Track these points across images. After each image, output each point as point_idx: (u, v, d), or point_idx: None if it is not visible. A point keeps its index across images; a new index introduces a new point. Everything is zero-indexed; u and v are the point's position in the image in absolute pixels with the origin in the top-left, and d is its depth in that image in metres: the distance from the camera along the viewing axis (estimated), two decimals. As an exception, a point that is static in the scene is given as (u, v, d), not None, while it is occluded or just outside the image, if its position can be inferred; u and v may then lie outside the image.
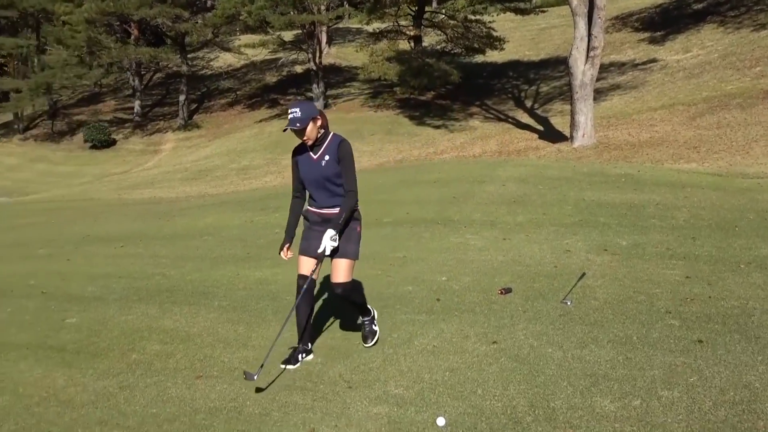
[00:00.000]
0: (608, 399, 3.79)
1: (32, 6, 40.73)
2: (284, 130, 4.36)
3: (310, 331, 4.74)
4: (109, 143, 36.69)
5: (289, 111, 4.35)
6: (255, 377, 4.13)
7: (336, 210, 4.49)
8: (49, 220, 15.99)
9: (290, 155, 4.68)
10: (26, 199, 26.53)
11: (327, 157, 4.43)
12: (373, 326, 4.90)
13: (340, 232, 4.42)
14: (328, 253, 4.37)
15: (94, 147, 36.42)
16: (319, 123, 4.41)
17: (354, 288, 4.68)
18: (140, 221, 13.69)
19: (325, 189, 4.46)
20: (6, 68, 43.77)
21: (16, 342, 5.43)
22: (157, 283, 7.31)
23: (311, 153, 4.50)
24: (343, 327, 5.29)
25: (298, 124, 4.31)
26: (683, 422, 3.49)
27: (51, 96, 41.02)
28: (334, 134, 4.52)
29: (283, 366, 4.54)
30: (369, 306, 4.92)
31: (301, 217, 4.69)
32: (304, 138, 4.39)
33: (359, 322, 4.99)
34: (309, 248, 4.52)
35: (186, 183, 25.01)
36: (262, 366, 4.25)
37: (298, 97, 35.94)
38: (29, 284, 7.64)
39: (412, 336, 5.01)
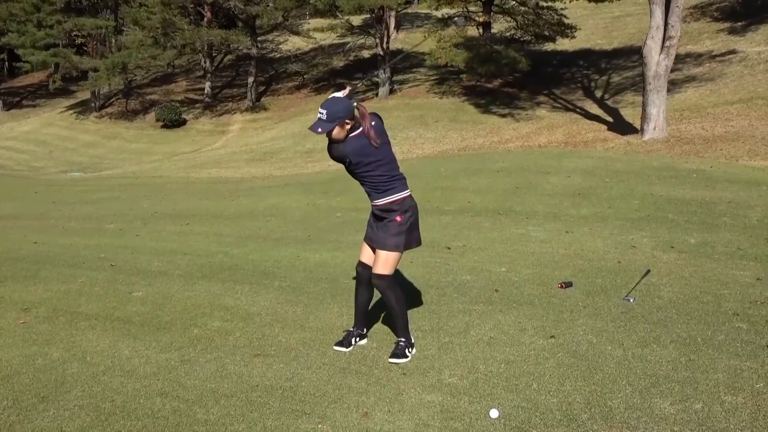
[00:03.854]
0: (668, 401, 3.69)
1: (111, -13, 42.10)
2: (309, 129, 4.19)
3: (365, 317, 4.71)
4: (180, 123, 37.64)
5: (319, 110, 4.15)
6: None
7: (383, 201, 4.35)
8: (120, 195, 16.55)
9: None
10: (100, 174, 27.52)
11: None
12: (407, 351, 4.43)
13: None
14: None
15: (165, 126, 37.43)
16: (348, 126, 4.17)
17: (390, 287, 4.38)
18: (206, 200, 14.03)
19: None
20: (86, 48, 45.30)
21: (86, 312, 5.65)
22: (220, 261, 7.48)
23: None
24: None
25: (320, 130, 4.13)
26: (746, 429, 3.37)
27: (126, 75, 42.31)
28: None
29: (336, 348, 4.58)
30: (409, 331, 4.52)
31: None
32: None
33: (395, 341, 4.54)
34: (371, 237, 4.48)
35: (251, 164, 25.47)
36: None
37: (365, 83, 36.02)
38: (100, 257, 7.94)
39: (469, 326, 4.98)
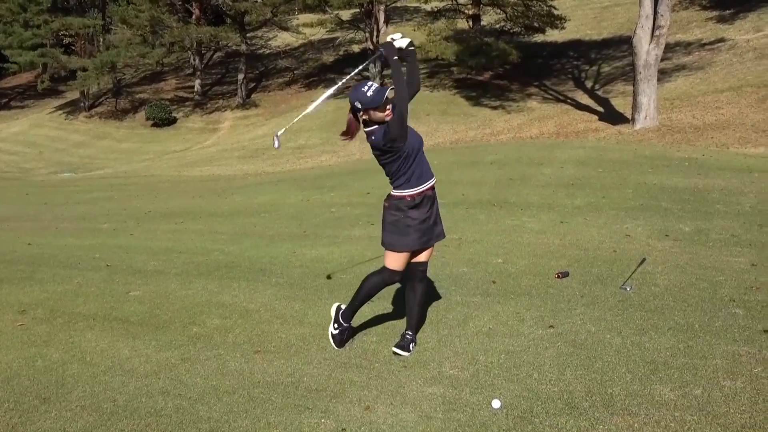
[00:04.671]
0: (668, 387, 3.72)
1: (98, -14, 41.89)
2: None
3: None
4: (170, 121, 37.48)
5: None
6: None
7: (398, 193, 4.17)
8: (112, 195, 16.48)
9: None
10: (91, 174, 27.40)
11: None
12: (410, 344, 4.43)
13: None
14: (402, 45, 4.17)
15: (155, 125, 37.27)
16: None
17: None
18: (199, 198, 13.99)
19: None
20: (74, 47, 45.01)
21: (84, 312, 5.64)
22: (216, 258, 7.47)
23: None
24: (400, 308, 5.31)
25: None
26: (746, 413, 3.40)
27: (115, 74, 42.08)
28: None
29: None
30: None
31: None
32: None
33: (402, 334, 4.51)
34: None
35: (243, 161, 25.41)
36: None
37: (355, 78, 35.92)
38: (95, 257, 7.91)
39: (467, 318, 5.00)
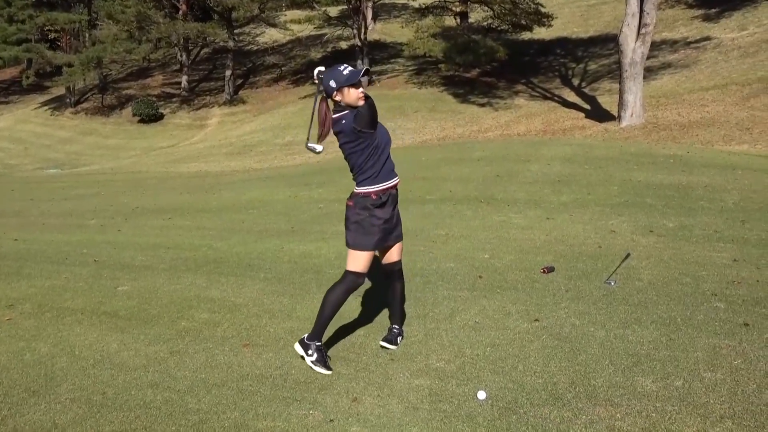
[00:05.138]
0: (650, 378, 3.79)
1: (84, -19, 41.65)
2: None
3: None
4: (157, 117, 37.36)
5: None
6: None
7: (362, 189, 4.08)
8: (99, 191, 16.43)
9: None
10: (78, 170, 27.25)
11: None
12: (398, 338, 4.49)
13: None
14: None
15: (142, 121, 37.13)
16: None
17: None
18: (187, 194, 13.98)
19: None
20: (59, 43, 44.72)
21: (72, 307, 5.65)
22: (204, 254, 7.49)
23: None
24: (386, 302, 5.36)
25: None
26: (726, 403, 3.48)
27: (101, 70, 41.88)
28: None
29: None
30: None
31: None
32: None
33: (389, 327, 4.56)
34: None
35: (231, 158, 25.37)
36: None
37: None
38: (82, 252, 7.91)
39: (454, 312, 5.06)
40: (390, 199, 4.14)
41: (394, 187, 4.17)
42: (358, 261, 4.11)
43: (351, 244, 4.14)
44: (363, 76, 3.96)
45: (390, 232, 4.21)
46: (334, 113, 4.04)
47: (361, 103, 3.97)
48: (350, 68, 3.99)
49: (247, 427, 3.51)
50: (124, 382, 4.11)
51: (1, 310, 5.67)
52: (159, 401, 3.83)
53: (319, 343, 4.19)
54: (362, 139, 3.97)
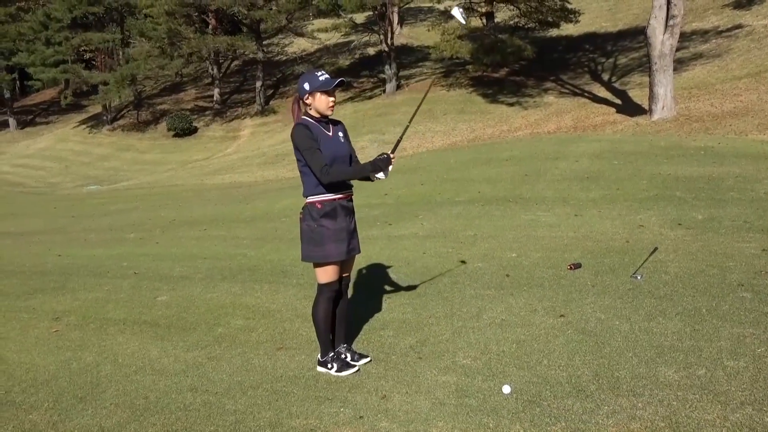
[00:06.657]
0: (673, 369, 3.86)
1: (116, 0, 42.59)
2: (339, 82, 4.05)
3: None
4: (191, 131, 38.02)
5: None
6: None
7: (309, 199, 4.16)
8: (137, 206, 16.87)
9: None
10: (116, 186, 27.92)
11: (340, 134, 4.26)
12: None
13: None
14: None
15: (177, 135, 37.83)
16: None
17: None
18: (222, 205, 14.29)
19: None
20: (94, 62, 45.84)
21: (114, 318, 5.90)
22: (239, 263, 7.71)
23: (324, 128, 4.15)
24: (414, 303, 5.49)
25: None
26: (747, 391, 3.53)
27: (135, 87, 42.83)
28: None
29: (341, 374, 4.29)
30: (329, 349, 4.32)
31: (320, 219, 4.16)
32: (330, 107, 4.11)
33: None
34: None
35: (264, 167, 25.74)
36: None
37: (371, 80, 36.23)
38: (122, 265, 8.20)
39: (481, 310, 5.17)
40: (338, 210, 4.16)
41: (344, 199, 4.20)
42: (322, 273, 4.19)
43: (304, 257, 4.19)
44: (337, 86, 4.06)
45: (346, 244, 4.19)
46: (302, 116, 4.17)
47: (330, 112, 4.11)
48: (327, 76, 4.08)
49: (281, 426, 3.68)
50: (165, 386, 4.31)
51: (48, 322, 5.94)
52: (198, 404, 4.01)
53: (333, 354, 4.35)
54: (301, 154, 4.06)
